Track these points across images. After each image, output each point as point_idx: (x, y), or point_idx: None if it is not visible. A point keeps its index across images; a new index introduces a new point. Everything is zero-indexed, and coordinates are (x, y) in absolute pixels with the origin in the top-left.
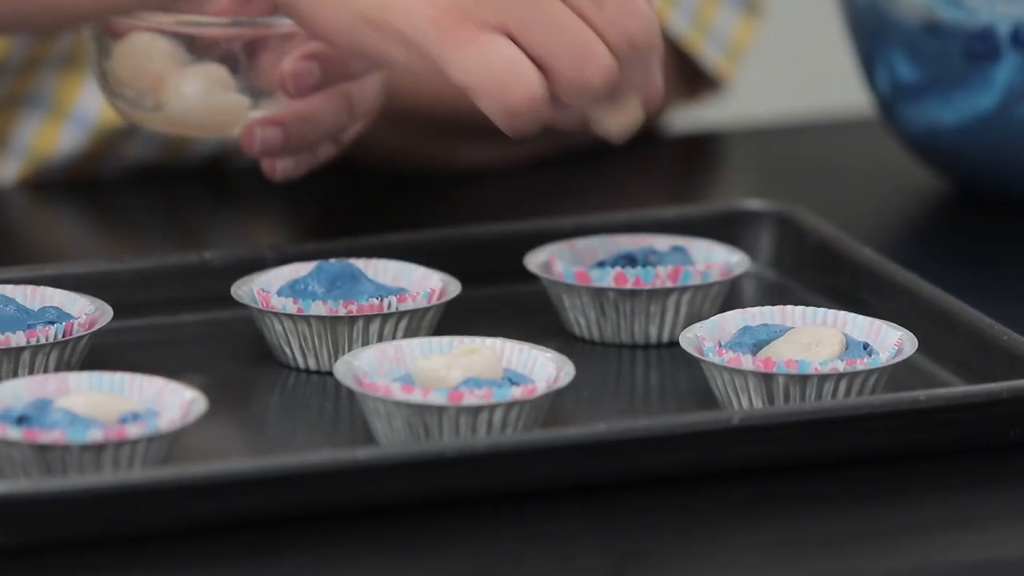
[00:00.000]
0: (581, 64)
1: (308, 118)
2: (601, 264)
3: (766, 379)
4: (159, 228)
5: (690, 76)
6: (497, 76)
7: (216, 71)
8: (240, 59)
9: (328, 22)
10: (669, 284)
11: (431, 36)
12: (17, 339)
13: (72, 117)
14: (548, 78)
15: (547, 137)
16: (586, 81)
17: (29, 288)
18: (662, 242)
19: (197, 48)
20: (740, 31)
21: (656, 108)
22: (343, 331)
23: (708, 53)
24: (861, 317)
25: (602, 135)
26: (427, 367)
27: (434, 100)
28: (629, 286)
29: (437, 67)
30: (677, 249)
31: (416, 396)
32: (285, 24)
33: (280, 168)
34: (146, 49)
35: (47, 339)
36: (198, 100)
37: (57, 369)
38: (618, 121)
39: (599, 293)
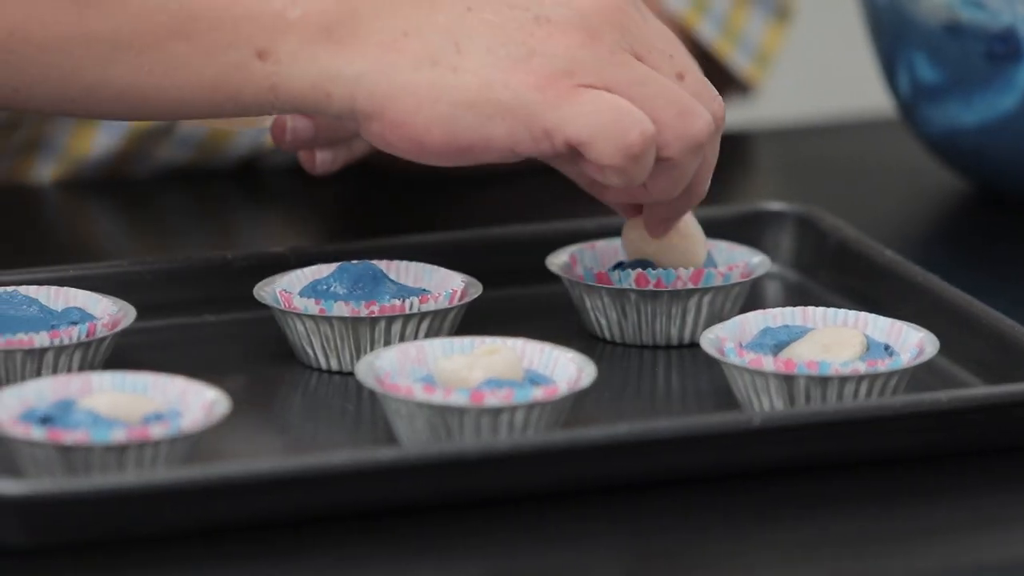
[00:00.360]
0: (684, 115)
1: None
2: (619, 265)
3: (787, 380)
4: (191, 228)
5: (717, 79)
6: (611, 121)
7: None
8: None
9: (424, 119)
10: (690, 285)
11: (536, 100)
12: (40, 340)
13: (106, 120)
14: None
15: None
16: (691, 131)
17: (52, 289)
18: None
19: None
20: (769, 38)
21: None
22: (365, 332)
23: (737, 60)
24: (882, 318)
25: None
26: (449, 367)
27: None
28: (650, 287)
29: (545, 131)
30: None
31: (437, 397)
32: None
33: (319, 161)
34: None
35: (70, 340)
36: None
37: (80, 369)
38: (687, 253)
39: (620, 294)
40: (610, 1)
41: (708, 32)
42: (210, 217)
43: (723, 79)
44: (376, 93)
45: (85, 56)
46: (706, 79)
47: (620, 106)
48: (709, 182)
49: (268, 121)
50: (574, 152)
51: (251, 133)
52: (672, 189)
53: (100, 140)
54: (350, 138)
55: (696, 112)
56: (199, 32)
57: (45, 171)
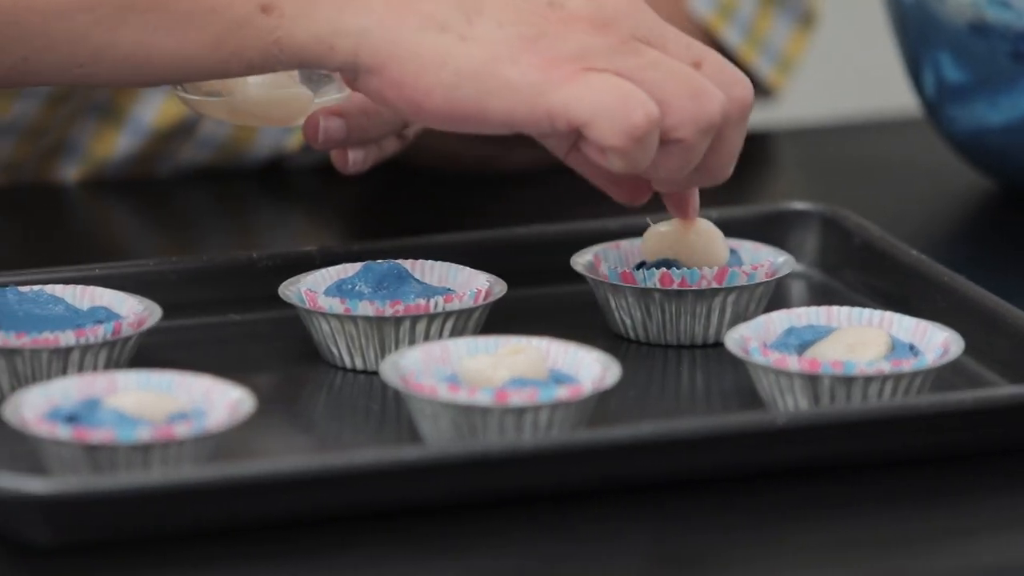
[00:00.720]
0: (696, 97)
1: (369, 111)
2: (643, 264)
3: (812, 380)
4: (216, 227)
5: None
6: (615, 102)
7: None
8: None
9: (425, 83)
10: (715, 285)
11: (541, 81)
12: (66, 338)
13: (128, 123)
14: (661, 111)
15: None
16: (702, 113)
17: (79, 288)
18: None
19: None
20: (793, 44)
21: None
22: (390, 331)
23: (760, 66)
24: (907, 318)
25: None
26: (473, 367)
27: None
28: (675, 287)
29: (547, 111)
30: (731, 252)
31: (462, 396)
32: None
33: (351, 161)
34: None
35: (96, 339)
36: (263, 91)
37: (106, 368)
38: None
39: (645, 293)
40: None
41: (732, 37)
42: (234, 216)
43: None
44: (380, 50)
45: (91, 20)
46: (730, 64)
47: (625, 88)
48: (733, 165)
49: (300, 119)
50: (574, 134)
51: (274, 134)
52: (680, 169)
53: (123, 143)
54: (381, 137)
55: (708, 94)
56: None
57: (68, 173)
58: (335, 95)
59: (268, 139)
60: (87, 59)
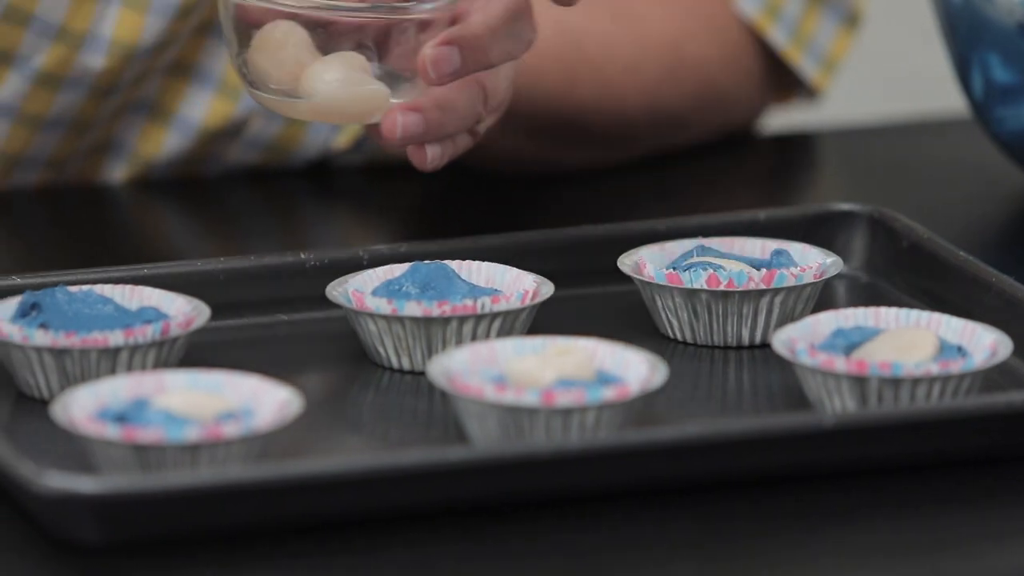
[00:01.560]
0: None
1: (445, 106)
2: (673, 267)
3: (859, 381)
4: (263, 227)
5: (784, 82)
6: None
7: (355, 59)
8: (372, 47)
9: None
10: (762, 286)
11: None
12: (115, 339)
13: (176, 122)
14: None
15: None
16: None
17: (128, 288)
18: (754, 246)
19: (331, 36)
20: (838, 44)
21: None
22: (437, 331)
23: (806, 67)
24: (955, 319)
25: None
26: (520, 368)
27: (558, 104)
28: (722, 287)
29: None
30: (779, 252)
31: (509, 397)
32: (422, 10)
33: (430, 156)
34: (283, 38)
35: (145, 339)
36: (341, 88)
37: (155, 368)
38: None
39: (691, 294)
40: None
41: (779, 38)
42: (282, 216)
43: (791, 84)
44: None
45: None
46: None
47: None
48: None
49: (377, 116)
50: None
51: (322, 132)
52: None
53: (170, 142)
54: (456, 132)
55: None
56: None
57: (115, 172)
58: (411, 92)
59: (316, 138)
60: None
